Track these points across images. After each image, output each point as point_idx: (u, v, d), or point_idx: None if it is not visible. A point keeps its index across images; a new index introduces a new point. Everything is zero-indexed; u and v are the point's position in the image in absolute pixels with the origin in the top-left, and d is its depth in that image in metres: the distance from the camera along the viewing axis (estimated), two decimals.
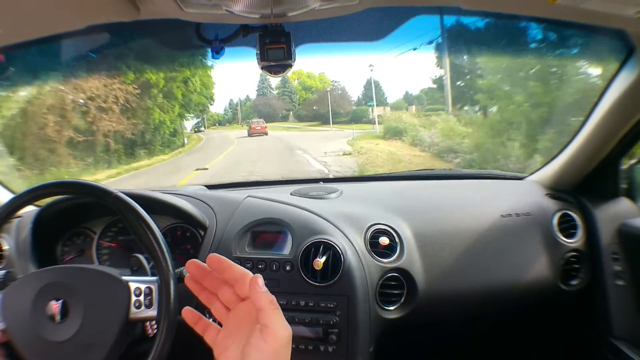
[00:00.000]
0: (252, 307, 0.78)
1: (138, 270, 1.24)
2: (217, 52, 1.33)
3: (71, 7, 1.03)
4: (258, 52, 1.29)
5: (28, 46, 1.29)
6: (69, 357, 1.09)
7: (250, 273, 0.81)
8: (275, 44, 1.28)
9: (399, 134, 17.41)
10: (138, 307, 1.13)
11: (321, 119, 37.02)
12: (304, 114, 41.30)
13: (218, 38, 1.32)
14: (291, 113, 44.14)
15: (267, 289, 0.78)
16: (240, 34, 1.30)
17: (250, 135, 27.19)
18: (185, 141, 24.73)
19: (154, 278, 1.17)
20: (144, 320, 1.16)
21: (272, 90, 47.65)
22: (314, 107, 40.09)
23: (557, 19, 1.25)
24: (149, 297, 1.14)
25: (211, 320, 0.88)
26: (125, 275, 1.17)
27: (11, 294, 1.14)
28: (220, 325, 0.85)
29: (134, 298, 1.13)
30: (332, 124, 33.19)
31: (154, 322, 1.23)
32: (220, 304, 0.85)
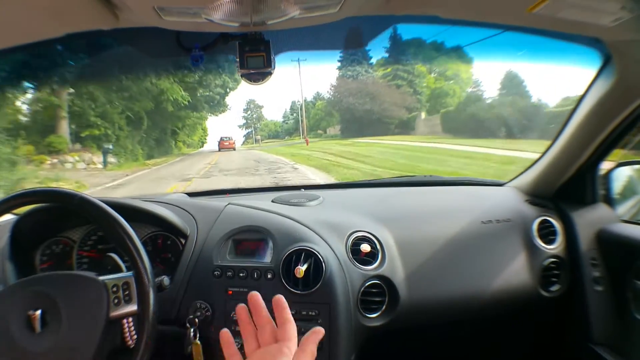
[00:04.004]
0: (278, 349, 0.86)
1: (113, 269, 1.25)
2: (196, 60, 1.33)
3: (49, 15, 1.02)
4: (238, 59, 1.29)
5: (6, 54, 1.28)
6: None
7: (293, 323, 0.91)
8: (254, 52, 1.28)
9: None
10: (117, 304, 1.13)
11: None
12: (465, 119, 21.29)
13: (198, 46, 1.32)
14: (423, 116, 26.64)
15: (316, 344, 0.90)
16: (220, 42, 1.30)
17: (220, 150, 28.61)
18: None
19: (130, 273, 1.18)
20: (124, 316, 1.15)
21: (369, 70, 29.22)
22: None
23: (534, 27, 1.26)
24: (127, 292, 1.15)
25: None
26: (100, 276, 1.17)
27: None
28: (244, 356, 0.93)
29: (112, 295, 1.13)
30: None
31: (133, 331, 1.23)
32: (253, 339, 0.93)
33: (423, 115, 27.38)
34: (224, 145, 29.75)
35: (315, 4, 1.07)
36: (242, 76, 1.33)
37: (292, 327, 0.90)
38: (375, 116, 28.16)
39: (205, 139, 38.38)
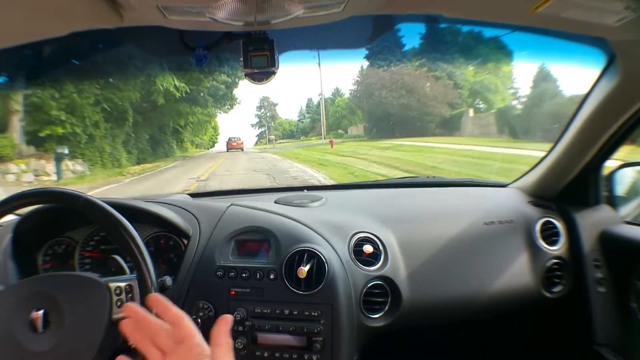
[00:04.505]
0: (189, 351, 0.81)
1: (117, 271, 1.25)
2: (200, 60, 1.33)
3: (54, 13, 1.02)
4: (242, 59, 1.29)
5: (11, 52, 1.28)
6: None
7: (185, 316, 0.87)
8: (258, 51, 1.28)
9: None
10: (120, 306, 1.13)
11: None
12: (534, 118, 17.14)
13: (201, 45, 1.32)
14: (471, 113, 21.30)
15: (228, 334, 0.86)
16: (224, 41, 1.30)
17: (228, 150, 28.58)
18: None
19: (133, 276, 1.18)
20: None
21: (402, 59, 22.46)
22: None
23: (538, 27, 1.26)
24: (130, 295, 1.15)
25: None
26: (104, 278, 1.16)
27: None
28: None
29: (115, 298, 1.13)
30: None
31: None
32: (155, 350, 0.85)
33: (471, 112, 22.21)
34: (232, 145, 29.89)
35: (319, 4, 1.07)
36: (245, 75, 1.33)
37: (187, 322, 0.86)
38: (413, 113, 23.21)
39: (217, 138, 36.79)
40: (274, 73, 1.34)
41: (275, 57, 1.30)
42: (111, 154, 18.03)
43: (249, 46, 1.28)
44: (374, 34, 1.56)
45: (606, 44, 1.38)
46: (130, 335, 0.88)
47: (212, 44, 1.32)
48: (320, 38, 1.56)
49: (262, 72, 1.33)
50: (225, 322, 0.87)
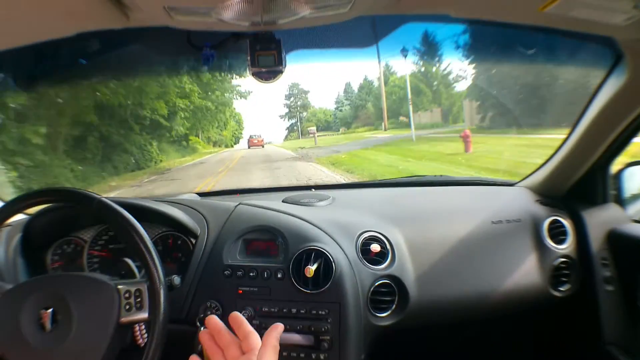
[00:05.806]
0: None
1: (127, 275, 1.26)
2: (208, 59, 1.33)
3: (60, 14, 1.02)
4: (249, 58, 1.30)
5: (19, 53, 1.29)
6: None
7: (253, 333, 0.99)
8: (265, 51, 1.29)
9: None
10: (128, 310, 1.14)
11: None
12: None
13: (209, 45, 1.33)
14: None
15: (277, 339, 0.99)
16: (231, 41, 1.31)
17: (249, 147, 29.14)
18: None
19: (143, 280, 1.19)
20: (135, 322, 1.17)
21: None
22: None
23: (546, 26, 1.25)
24: (139, 299, 1.16)
25: None
26: (114, 280, 1.17)
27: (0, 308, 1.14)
28: None
29: (124, 301, 1.14)
30: None
31: (144, 330, 1.24)
32: (223, 358, 0.98)
33: None
34: (253, 142, 30.75)
35: (325, 4, 1.07)
36: (253, 74, 1.34)
37: (254, 338, 0.98)
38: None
39: (241, 133, 35.52)
40: (281, 72, 1.34)
41: (283, 56, 1.30)
42: None
43: (256, 45, 1.29)
44: (381, 33, 1.56)
45: (614, 43, 1.37)
46: (205, 344, 1.01)
47: (219, 43, 1.33)
48: (327, 37, 1.56)
49: (270, 71, 1.33)
50: (275, 328, 1.01)
